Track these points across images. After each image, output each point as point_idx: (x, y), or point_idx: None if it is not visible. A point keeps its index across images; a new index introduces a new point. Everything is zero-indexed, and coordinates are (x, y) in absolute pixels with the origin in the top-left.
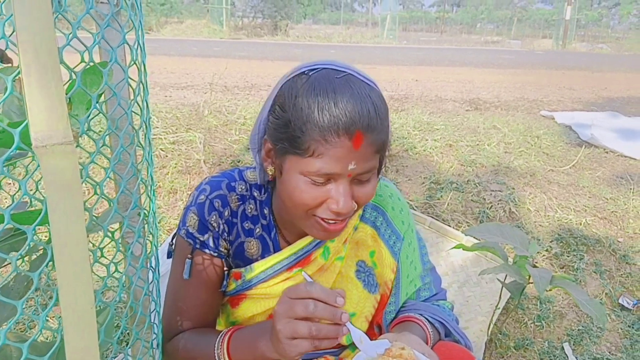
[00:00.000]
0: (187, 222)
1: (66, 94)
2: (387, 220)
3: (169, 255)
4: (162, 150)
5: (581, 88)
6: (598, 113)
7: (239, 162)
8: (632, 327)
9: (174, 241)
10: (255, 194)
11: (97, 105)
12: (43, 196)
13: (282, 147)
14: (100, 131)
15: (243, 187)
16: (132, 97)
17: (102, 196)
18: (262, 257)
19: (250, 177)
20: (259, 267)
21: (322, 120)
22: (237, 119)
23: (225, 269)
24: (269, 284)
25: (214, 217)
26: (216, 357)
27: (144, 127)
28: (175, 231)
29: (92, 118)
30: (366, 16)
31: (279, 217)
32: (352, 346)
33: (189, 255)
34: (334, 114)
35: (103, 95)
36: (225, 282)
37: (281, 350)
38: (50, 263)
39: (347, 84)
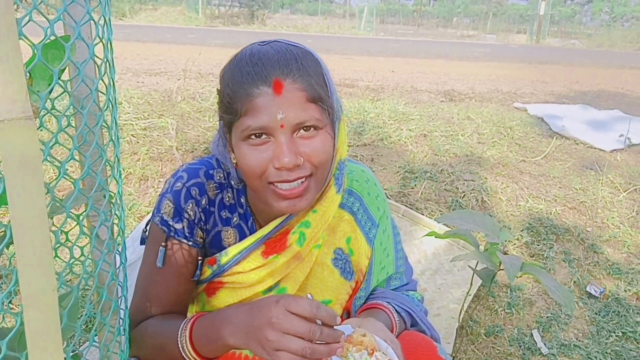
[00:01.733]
0: (161, 209)
1: (26, 68)
2: (363, 206)
3: (142, 242)
4: (134, 137)
5: (553, 81)
6: (569, 105)
7: (202, 158)
8: (599, 315)
9: (147, 228)
10: (233, 183)
11: (59, 81)
12: (1, 174)
13: (226, 122)
14: (64, 112)
15: (221, 176)
16: (97, 75)
17: (65, 176)
18: None
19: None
20: (233, 250)
21: (241, 78)
22: (210, 105)
23: (199, 258)
24: (242, 267)
25: (190, 205)
26: (179, 342)
27: (110, 106)
28: (149, 218)
29: (57, 97)
30: (344, 7)
31: (253, 205)
32: None
33: (163, 243)
34: (251, 70)
35: (67, 72)
36: (198, 272)
37: (257, 353)
38: (11, 246)
39: (267, 45)
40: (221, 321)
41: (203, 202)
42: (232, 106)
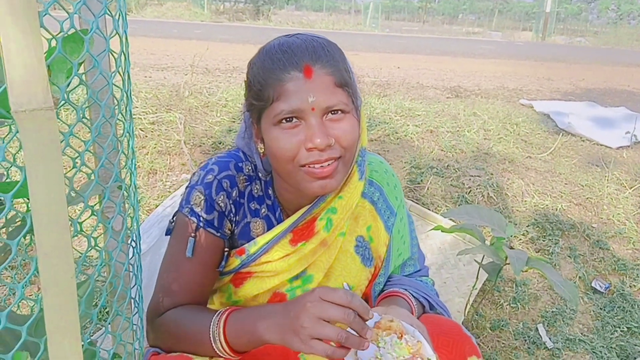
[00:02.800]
0: (191, 200)
1: (46, 60)
2: (383, 195)
3: (168, 232)
4: (142, 131)
5: (559, 79)
6: (576, 103)
7: (220, 143)
8: (604, 310)
9: (174, 219)
10: (261, 175)
11: (77, 73)
12: (22, 166)
13: (255, 111)
14: (82, 104)
15: (249, 168)
16: (113, 68)
17: (83, 165)
18: None
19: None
20: (261, 240)
21: (272, 65)
22: (218, 100)
23: (225, 249)
24: (271, 256)
25: (222, 197)
26: (211, 335)
27: (125, 99)
28: (159, 210)
29: (73, 89)
30: (349, 4)
31: (280, 196)
32: None
33: (193, 234)
34: (282, 57)
35: (83, 65)
36: (223, 262)
37: (292, 343)
38: (29, 235)
39: (294, 37)
40: (257, 316)
41: (234, 194)
42: (263, 93)
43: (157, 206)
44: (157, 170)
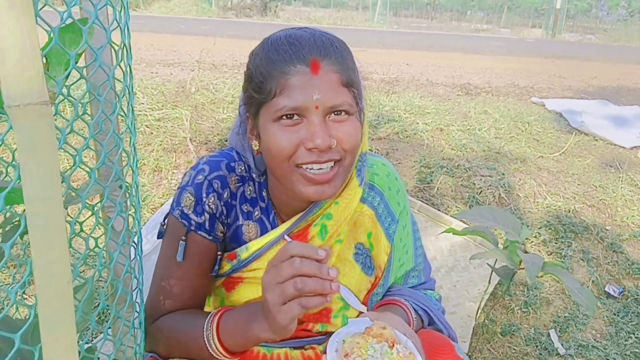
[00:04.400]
0: (182, 202)
1: (42, 52)
2: (384, 200)
3: (160, 236)
4: (147, 127)
5: (571, 76)
6: (588, 101)
7: (226, 140)
8: (618, 315)
9: (165, 221)
10: (254, 176)
11: (76, 66)
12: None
13: (253, 104)
14: (80, 98)
15: (242, 168)
16: (114, 62)
17: (81, 163)
18: None
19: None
20: (253, 245)
21: (278, 56)
22: (224, 97)
23: (218, 253)
24: (262, 262)
25: (212, 198)
26: (205, 338)
27: (127, 93)
28: (164, 210)
29: (73, 84)
30: (357, 0)
31: (275, 198)
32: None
33: (183, 237)
34: (289, 49)
35: (84, 59)
36: (217, 267)
37: (273, 321)
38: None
39: (302, 30)
40: (249, 314)
41: (225, 195)
42: (264, 85)
43: (162, 204)
44: (162, 168)
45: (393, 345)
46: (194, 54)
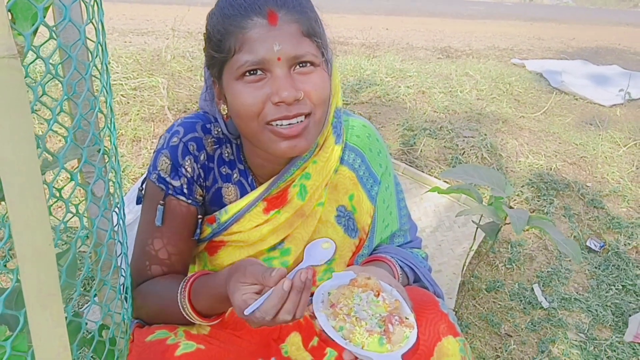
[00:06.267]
0: (158, 166)
1: (7, 4)
2: (365, 162)
3: (139, 201)
4: (123, 97)
5: (550, 38)
6: (568, 61)
7: (197, 111)
8: (599, 269)
9: (143, 186)
10: (231, 138)
11: (44, 20)
12: None
13: (215, 65)
14: (50, 55)
15: (219, 130)
16: (84, 19)
17: (55, 122)
18: None
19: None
20: (232, 208)
21: (233, 11)
22: (201, 64)
23: (199, 216)
24: (243, 225)
25: (189, 161)
26: (179, 303)
27: (100, 52)
28: (144, 176)
29: (42, 45)
30: None
31: (250, 161)
32: None
33: (161, 202)
34: (243, 2)
35: (52, 16)
36: (198, 230)
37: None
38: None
39: None
40: (220, 278)
41: (201, 157)
42: (223, 43)
43: (142, 174)
44: (141, 137)
45: (378, 294)
46: (168, 22)
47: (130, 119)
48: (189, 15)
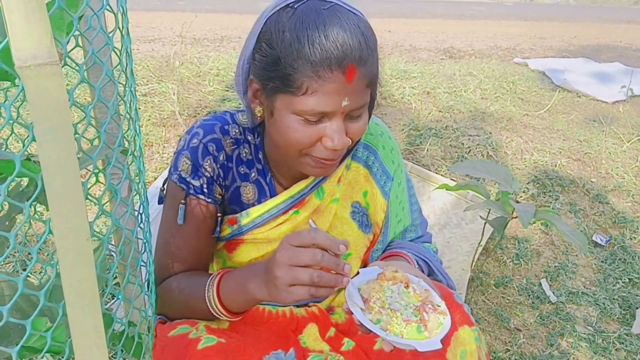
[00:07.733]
0: (179, 166)
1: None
2: (378, 159)
3: (160, 201)
4: None
5: (552, 37)
6: (570, 59)
7: (215, 113)
8: (605, 263)
9: (165, 186)
10: (249, 138)
11: (78, 28)
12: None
13: (272, 86)
14: (84, 62)
15: (237, 131)
16: (108, 27)
17: (89, 125)
18: (259, 202)
19: (242, 120)
20: (255, 212)
21: (314, 55)
22: (209, 70)
23: (218, 215)
24: (265, 229)
25: (209, 161)
26: (206, 299)
27: (125, 58)
28: (164, 177)
29: (70, 50)
30: None
31: (271, 160)
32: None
33: (182, 201)
34: (326, 48)
35: (80, 25)
36: (218, 228)
37: (276, 295)
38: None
39: (335, 15)
40: (247, 275)
41: (221, 158)
42: (292, 78)
43: (155, 179)
44: (152, 142)
45: (408, 285)
46: (174, 29)
47: (142, 125)
48: (195, 22)
